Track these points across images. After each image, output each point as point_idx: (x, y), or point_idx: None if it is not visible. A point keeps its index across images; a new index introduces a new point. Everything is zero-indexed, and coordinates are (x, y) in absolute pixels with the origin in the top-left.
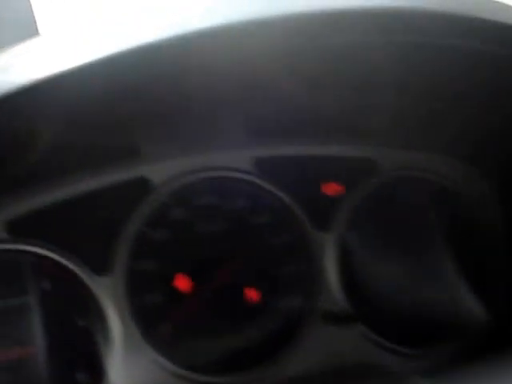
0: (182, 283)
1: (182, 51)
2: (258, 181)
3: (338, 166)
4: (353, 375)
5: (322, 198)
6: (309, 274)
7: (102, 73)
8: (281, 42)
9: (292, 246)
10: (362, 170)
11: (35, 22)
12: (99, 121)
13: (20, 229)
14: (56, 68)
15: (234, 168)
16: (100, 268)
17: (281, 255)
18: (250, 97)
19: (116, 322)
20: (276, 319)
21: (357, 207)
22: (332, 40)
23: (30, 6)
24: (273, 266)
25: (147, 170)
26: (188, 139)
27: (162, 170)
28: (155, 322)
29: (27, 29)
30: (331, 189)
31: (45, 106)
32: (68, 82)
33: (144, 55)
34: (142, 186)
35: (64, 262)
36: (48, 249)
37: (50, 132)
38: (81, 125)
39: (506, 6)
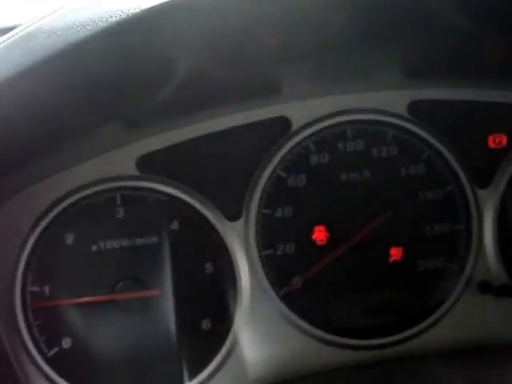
0: (320, 235)
1: None
2: (412, 127)
3: (508, 115)
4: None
5: (484, 150)
6: (463, 236)
7: None
8: None
9: (446, 202)
10: None
11: None
12: (238, 51)
13: (151, 166)
14: None
15: (385, 111)
16: (231, 212)
17: (433, 212)
18: (409, 28)
19: (245, 271)
20: (423, 282)
21: None
22: None
23: None
24: (423, 223)
25: (289, 109)
26: (334, 78)
27: (306, 110)
28: (286, 273)
29: None
30: (497, 140)
31: (180, 27)
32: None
33: None
34: (281, 127)
35: (194, 203)
36: (178, 189)
37: (185, 61)
38: (218, 55)
39: None
